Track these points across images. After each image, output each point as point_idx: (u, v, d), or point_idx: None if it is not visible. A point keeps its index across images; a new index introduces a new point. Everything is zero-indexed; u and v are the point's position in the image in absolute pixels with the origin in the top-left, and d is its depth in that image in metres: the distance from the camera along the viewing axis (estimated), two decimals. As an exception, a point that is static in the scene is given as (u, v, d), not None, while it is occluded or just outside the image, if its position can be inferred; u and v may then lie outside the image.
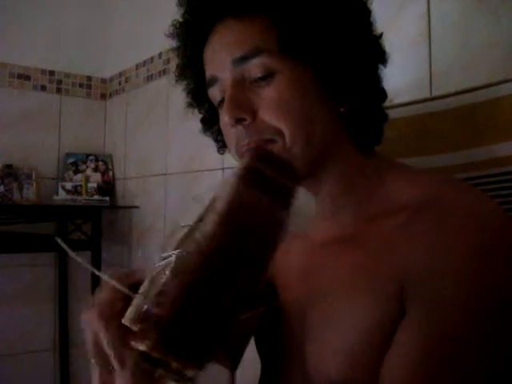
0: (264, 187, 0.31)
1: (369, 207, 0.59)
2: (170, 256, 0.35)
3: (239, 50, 0.55)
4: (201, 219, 0.35)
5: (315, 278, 0.60)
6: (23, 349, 2.10)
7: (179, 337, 0.29)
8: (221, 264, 0.29)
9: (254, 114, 0.56)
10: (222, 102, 0.59)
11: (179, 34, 0.64)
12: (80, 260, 0.36)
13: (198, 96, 0.66)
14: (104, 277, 0.35)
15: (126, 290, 0.36)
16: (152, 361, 0.31)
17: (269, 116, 0.55)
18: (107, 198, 2.15)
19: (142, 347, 0.31)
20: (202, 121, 0.70)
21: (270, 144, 0.56)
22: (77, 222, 2.02)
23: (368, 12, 0.59)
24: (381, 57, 0.60)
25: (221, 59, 0.57)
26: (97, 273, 0.36)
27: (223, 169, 1.60)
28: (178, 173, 1.85)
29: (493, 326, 0.48)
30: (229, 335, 0.30)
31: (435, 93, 0.90)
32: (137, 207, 2.10)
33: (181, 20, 0.63)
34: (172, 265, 0.33)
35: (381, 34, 0.60)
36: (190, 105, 0.68)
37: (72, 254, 0.37)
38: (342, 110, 0.58)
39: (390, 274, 0.51)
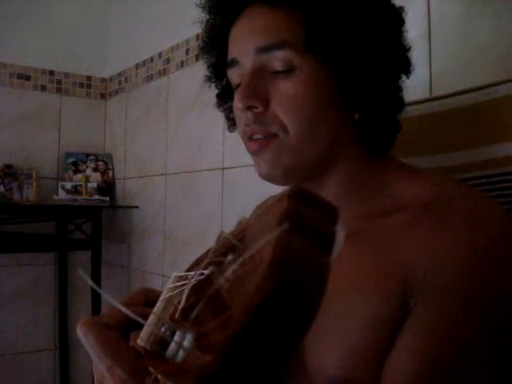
0: (308, 233, 0.30)
1: (372, 206, 0.59)
2: (188, 278, 0.34)
3: (265, 39, 0.56)
4: (224, 253, 0.34)
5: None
6: (23, 349, 2.10)
7: None
8: (269, 318, 0.28)
9: (266, 104, 0.56)
10: (239, 85, 0.59)
11: (211, 7, 0.64)
12: (103, 293, 0.34)
13: (218, 71, 0.66)
14: (114, 302, 0.33)
15: (140, 319, 0.34)
16: None
17: (279, 110, 0.56)
18: (107, 198, 2.15)
19: None
20: (218, 95, 0.70)
21: (272, 139, 0.57)
22: (77, 221, 2.02)
23: (401, 22, 0.59)
24: (405, 67, 0.60)
25: (245, 44, 0.58)
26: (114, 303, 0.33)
27: (223, 169, 1.60)
28: (178, 173, 1.85)
29: (497, 329, 0.47)
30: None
31: (435, 93, 0.90)
32: (137, 207, 2.09)
33: None
34: (194, 292, 0.33)
35: (409, 47, 0.60)
36: (208, 79, 0.69)
37: (96, 287, 0.35)
38: (355, 116, 0.58)
39: (392, 273, 0.51)
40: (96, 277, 1.92)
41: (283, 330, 0.28)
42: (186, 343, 0.31)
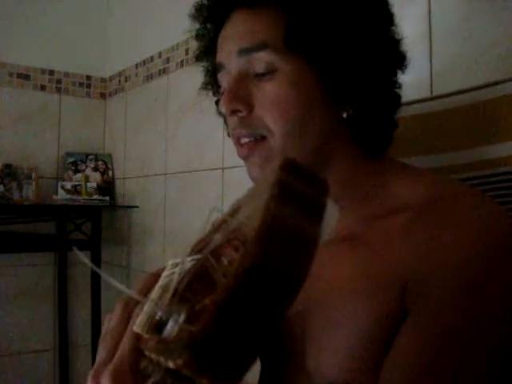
0: (297, 203, 0.30)
1: (371, 207, 0.58)
2: (183, 263, 0.34)
3: (246, 41, 0.56)
4: (216, 230, 0.34)
5: (316, 278, 0.60)
6: (23, 349, 2.10)
7: (213, 355, 0.28)
8: (256, 284, 0.28)
9: (250, 107, 0.56)
10: None
11: (199, 16, 0.64)
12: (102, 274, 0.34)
13: (214, 78, 0.66)
14: (117, 285, 0.33)
15: (137, 297, 0.34)
16: (179, 377, 0.30)
17: (263, 112, 0.56)
18: (107, 198, 2.15)
19: (171, 365, 0.29)
20: (217, 103, 0.70)
21: (260, 141, 0.57)
22: (76, 221, 2.02)
23: (388, 15, 0.58)
24: (398, 62, 0.59)
25: (228, 48, 0.58)
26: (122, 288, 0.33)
27: (223, 168, 1.59)
28: (178, 172, 1.84)
29: (496, 331, 0.47)
30: (258, 350, 0.29)
31: (436, 92, 0.90)
32: (136, 207, 2.09)
33: (201, 3, 0.64)
34: (188, 274, 0.33)
35: (400, 38, 0.59)
36: (205, 85, 0.69)
37: (88, 261, 0.35)
38: (344, 114, 0.57)
39: (391, 275, 0.51)
40: (96, 277, 1.92)
41: (269, 297, 0.28)
42: (179, 321, 0.31)
